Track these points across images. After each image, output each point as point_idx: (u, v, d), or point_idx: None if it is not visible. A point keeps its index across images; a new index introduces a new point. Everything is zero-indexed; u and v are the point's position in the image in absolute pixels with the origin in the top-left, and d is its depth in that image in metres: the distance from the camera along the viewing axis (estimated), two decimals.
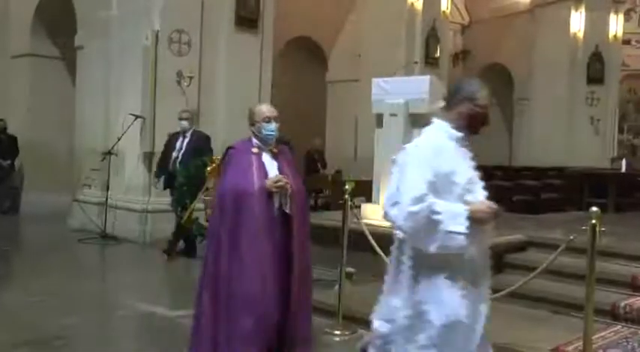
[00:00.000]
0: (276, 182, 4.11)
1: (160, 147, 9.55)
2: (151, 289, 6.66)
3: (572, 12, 17.35)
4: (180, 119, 8.72)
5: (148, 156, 9.87)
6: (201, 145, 8.59)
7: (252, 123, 4.28)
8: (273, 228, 4.10)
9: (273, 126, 4.27)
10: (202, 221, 7.95)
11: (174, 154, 8.64)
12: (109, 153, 9.90)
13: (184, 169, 8.32)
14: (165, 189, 8.91)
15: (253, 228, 4.02)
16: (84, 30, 11.41)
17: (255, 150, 4.23)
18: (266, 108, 4.33)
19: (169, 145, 8.85)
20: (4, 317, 5.53)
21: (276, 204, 4.15)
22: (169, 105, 9.95)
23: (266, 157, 4.24)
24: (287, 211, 4.17)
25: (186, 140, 8.68)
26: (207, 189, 7.71)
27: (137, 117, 9.71)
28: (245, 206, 4.03)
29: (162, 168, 8.88)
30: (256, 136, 4.28)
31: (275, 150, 4.32)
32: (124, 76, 10.36)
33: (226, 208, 4.07)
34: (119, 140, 9.76)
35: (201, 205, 7.96)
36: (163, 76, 9.99)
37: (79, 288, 6.80)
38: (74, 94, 11.86)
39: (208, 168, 7.48)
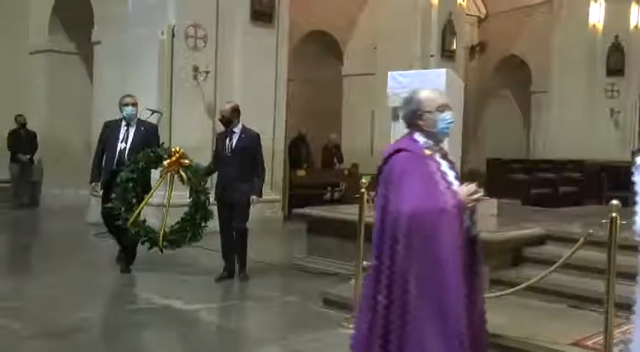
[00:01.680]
0: (471, 194, 3.26)
1: (179, 142, 9.53)
2: (168, 283, 6.68)
3: (592, 3, 17.17)
4: (125, 104, 7.27)
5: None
6: (150, 138, 7.30)
7: (418, 115, 3.38)
8: (465, 256, 3.25)
9: (450, 115, 3.45)
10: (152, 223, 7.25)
11: (119, 146, 7.18)
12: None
13: (132, 162, 6.96)
14: (105, 187, 7.29)
15: (453, 258, 3.13)
16: (100, 25, 11.47)
17: (427, 151, 3.34)
18: (437, 94, 3.49)
19: (110, 137, 7.32)
20: (22, 310, 5.57)
21: (465, 224, 3.29)
22: (185, 99, 10.01)
23: (440, 160, 3.38)
24: (474, 232, 3.40)
25: (132, 130, 7.26)
26: (169, 195, 7.18)
27: (154, 112, 9.72)
28: (440, 232, 3.10)
29: (105, 168, 7.27)
30: (424, 132, 3.39)
31: (444, 150, 3.47)
32: (140, 71, 10.39)
33: (415, 237, 3.08)
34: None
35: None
36: (179, 70, 10.01)
37: (95, 282, 6.85)
38: (91, 89, 11.93)
39: (165, 162, 6.90)
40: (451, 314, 3.09)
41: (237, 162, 6.79)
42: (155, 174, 7.40)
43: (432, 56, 13.72)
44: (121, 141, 7.20)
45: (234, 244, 6.88)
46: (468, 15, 17.30)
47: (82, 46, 12.90)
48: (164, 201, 7.36)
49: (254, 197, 6.82)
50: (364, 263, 5.74)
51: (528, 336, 4.60)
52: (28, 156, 12.91)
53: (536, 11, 18.35)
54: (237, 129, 6.89)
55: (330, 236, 7.51)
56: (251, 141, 6.93)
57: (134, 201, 6.96)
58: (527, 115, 19.42)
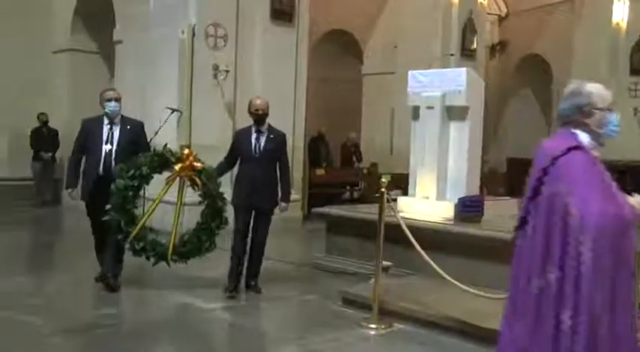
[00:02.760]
0: None
1: (200, 139, 9.60)
2: (187, 281, 6.70)
3: (615, 1, 16.98)
4: (108, 100, 6.26)
5: (184, 148, 9.93)
6: (137, 138, 6.40)
7: (587, 112, 3.07)
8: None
9: (618, 118, 3.15)
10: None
11: (103, 148, 6.15)
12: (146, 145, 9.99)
13: (131, 165, 5.99)
14: (88, 197, 6.22)
15: (631, 268, 3.01)
16: (122, 25, 11.56)
17: (594, 153, 3.06)
18: (608, 91, 3.16)
19: (90, 137, 6.29)
20: (44, 306, 5.63)
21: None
22: (206, 98, 10.06)
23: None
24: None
25: (117, 129, 6.26)
26: (179, 202, 6.23)
27: (174, 110, 9.79)
28: (624, 239, 2.94)
29: (88, 174, 6.24)
30: (589, 131, 3.08)
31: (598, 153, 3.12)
32: (160, 70, 10.46)
33: (604, 241, 2.89)
34: (156, 134, 9.83)
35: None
36: (199, 69, 10.06)
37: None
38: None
39: (177, 167, 6.00)
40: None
41: (265, 164, 6.19)
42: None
43: (452, 55, 13.67)
44: (105, 143, 6.18)
45: (251, 255, 6.32)
46: (488, 14, 17.20)
47: (103, 45, 13.00)
48: (174, 210, 6.35)
49: (283, 204, 6.35)
50: (383, 263, 5.74)
51: None
52: (50, 154, 13.03)
53: (558, 9, 18.17)
54: (264, 129, 6.24)
55: (349, 235, 7.50)
56: (280, 142, 6.34)
57: (135, 212, 6.10)
58: (549, 114, 19.23)
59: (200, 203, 6.21)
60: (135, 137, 6.32)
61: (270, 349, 5.02)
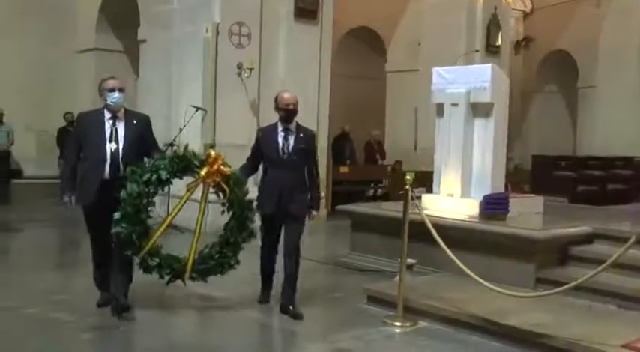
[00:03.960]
0: None
1: (224, 138, 9.64)
2: (213, 278, 6.74)
3: None
4: (111, 90, 5.28)
5: (208, 148, 9.98)
6: (145, 134, 5.41)
7: None
8: None
9: None
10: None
11: (108, 147, 5.17)
12: (171, 144, 10.06)
13: (147, 168, 5.12)
14: (90, 205, 5.23)
15: None
16: (146, 24, 11.65)
17: None
18: None
19: (89, 135, 5.27)
20: (73, 303, 5.69)
21: None
22: (229, 97, 10.09)
23: None
24: None
25: (121, 124, 5.27)
26: (201, 212, 5.34)
27: (198, 109, 9.85)
28: None
29: (90, 179, 5.20)
30: None
31: None
32: (185, 69, 10.53)
33: None
34: (181, 131, 9.90)
35: None
36: (223, 68, 10.10)
37: (142, 276, 6.92)
38: (137, 87, 12.12)
39: (202, 172, 5.14)
40: None
41: (295, 166, 5.47)
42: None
43: (476, 51, 13.58)
44: (110, 141, 5.21)
45: (285, 270, 5.53)
46: (513, 9, 17.05)
47: (128, 44, 13.13)
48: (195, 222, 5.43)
49: (314, 212, 5.71)
50: (408, 260, 5.73)
51: (576, 337, 4.53)
52: None
53: (584, 4, 17.97)
54: (292, 127, 5.53)
55: (374, 233, 7.50)
56: (310, 142, 5.64)
57: (149, 222, 5.18)
58: (574, 111, 19.04)
59: (223, 213, 5.37)
60: (143, 133, 5.37)
61: (298, 346, 5.04)
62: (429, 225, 5.46)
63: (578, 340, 4.48)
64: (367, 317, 5.57)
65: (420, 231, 5.58)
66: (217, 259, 5.43)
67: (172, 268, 5.29)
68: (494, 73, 7.11)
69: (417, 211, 5.67)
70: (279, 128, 5.53)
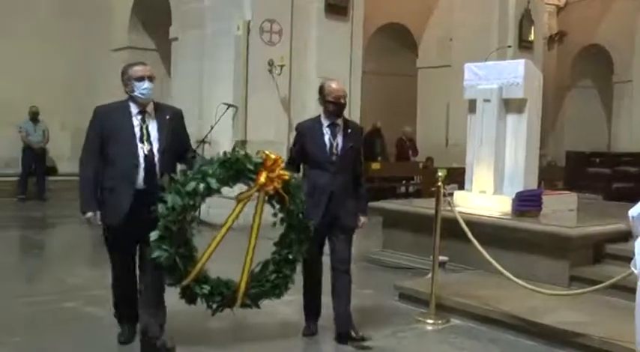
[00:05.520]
0: None
1: (255, 135, 9.68)
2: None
3: None
4: (139, 78, 4.30)
5: (240, 145, 10.05)
6: (180, 131, 4.49)
7: None
8: None
9: None
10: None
11: (140, 149, 4.21)
12: (203, 141, 10.15)
13: (190, 176, 4.16)
14: (120, 224, 4.23)
15: None
16: (178, 22, 11.75)
17: None
18: None
19: (114, 134, 4.26)
20: (104, 298, 5.72)
21: None
22: (261, 93, 10.14)
23: None
24: None
25: (153, 121, 4.33)
26: (256, 227, 4.39)
27: (230, 106, 9.91)
28: None
29: (119, 190, 4.23)
30: None
31: None
32: (216, 66, 10.60)
33: None
34: (212, 128, 9.98)
35: None
36: (255, 65, 10.16)
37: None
38: (170, 84, 12.24)
39: (262, 178, 4.23)
40: None
41: (345, 167, 4.70)
42: None
43: (509, 47, 13.45)
44: (140, 140, 4.24)
45: (333, 289, 4.80)
46: (546, 4, 16.86)
47: (160, 42, 13.26)
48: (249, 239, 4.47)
49: (362, 218, 4.87)
50: (440, 257, 5.70)
51: (612, 336, 4.46)
52: None
53: None
54: (340, 121, 4.77)
55: (405, 230, 7.48)
56: (359, 139, 4.93)
57: (191, 243, 4.24)
58: (609, 106, 18.77)
59: (274, 225, 4.46)
60: (178, 131, 4.45)
61: (327, 344, 5.03)
62: (462, 222, 5.42)
63: (613, 339, 4.41)
64: (399, 314, 5.55)
65: (451, 228, 5.55)
66: (274, 280, 4.53)
67: (222, 295, 4.40)
68: (527, 69, 7.02)
69: (449, 208, 5.63)
70: (324, 123, 4.74)
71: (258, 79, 10.18)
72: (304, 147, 4.77)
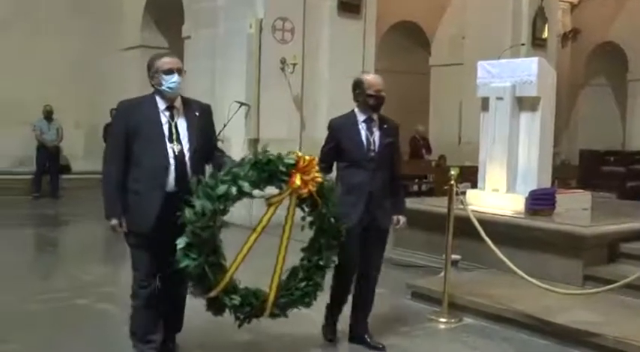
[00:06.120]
0: None
1: (268, 133, 9.68)
2: (257, 271, 6.76)
3: None
4: (168, 71, 3.95)
5: (252, 143, 10.06)
6: (209, 128, 4.23)
7: None
8: None
9: None
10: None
11: (169, 148, 3.89)
12: (215, 139, 10.14)
13: (219, 179, 3.78)
14: (148, 230, 3.95)
15: None
16: (190, 20, 11.77)
17: None
18: None
19: (139, 132, 3.90)
20: (117, 295, 5.73)
21: None
22: (273, 92, 10.14)
23: None
24: None
25: (182, 118, 4.01)
26: (287, 237, 4.06)
27: (242, 104, 9.93)
28: None
29: (146, 193, 3.89)
30: None
31: None
32: (229, 64, 10.61)
33: None
34: (225, 127, 9.99)
35: None
36: (267, 63, 10.15)
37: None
38: (182, 83, 12.25)
39: (297, 180, 3.90)
40: None
41: (382, 165, 4.46)
42: None
43: (522, 45, 13.37)
44: (169, 140, 3.91)
45: (359, 295, 4.66)
46: (560, 1, 16.75)
47: (173, 41, 13.29)
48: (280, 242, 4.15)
49: (402, 218, 4.66)
50: (452, 256, 5.68)
51: (627, 336, 4.43)
52: None
53: None
54: (376, 117, 4.53)
55: (418, 228, 7.43)
56: (396, 135, 4.64)
57: (221, 251, 3.90)
58: (624, 104, 18.63)
59: (303, 229, 4.13)
60: (207, 129, 4.15)
61: (339, 342, 5.02)
62: (474, 221, 5.40)
63: (628, 339, 4.38)
64: (411, 313, 5.54)
65: (464, 227, 5.52)
66: (304, 288, 4.21)
67: (251, 305, 4.08)
68: (540, 67, 6.98)
69: (462, 206, 5.61)
70: (360, 119, 4.48)
71: (271, 78, 10.18)
72: (339, 144, 4.48)
